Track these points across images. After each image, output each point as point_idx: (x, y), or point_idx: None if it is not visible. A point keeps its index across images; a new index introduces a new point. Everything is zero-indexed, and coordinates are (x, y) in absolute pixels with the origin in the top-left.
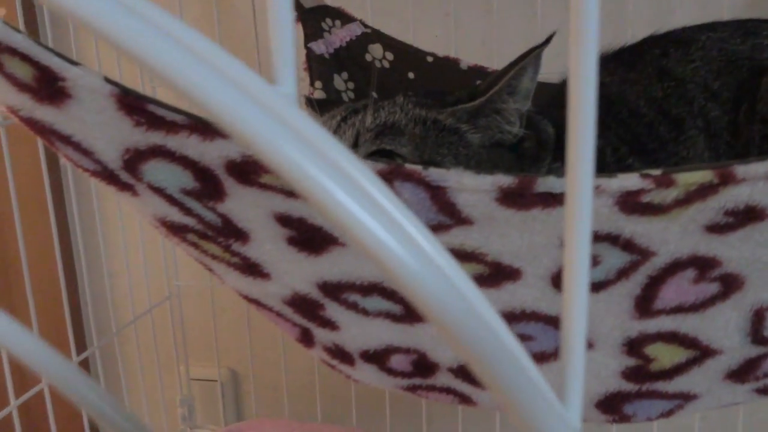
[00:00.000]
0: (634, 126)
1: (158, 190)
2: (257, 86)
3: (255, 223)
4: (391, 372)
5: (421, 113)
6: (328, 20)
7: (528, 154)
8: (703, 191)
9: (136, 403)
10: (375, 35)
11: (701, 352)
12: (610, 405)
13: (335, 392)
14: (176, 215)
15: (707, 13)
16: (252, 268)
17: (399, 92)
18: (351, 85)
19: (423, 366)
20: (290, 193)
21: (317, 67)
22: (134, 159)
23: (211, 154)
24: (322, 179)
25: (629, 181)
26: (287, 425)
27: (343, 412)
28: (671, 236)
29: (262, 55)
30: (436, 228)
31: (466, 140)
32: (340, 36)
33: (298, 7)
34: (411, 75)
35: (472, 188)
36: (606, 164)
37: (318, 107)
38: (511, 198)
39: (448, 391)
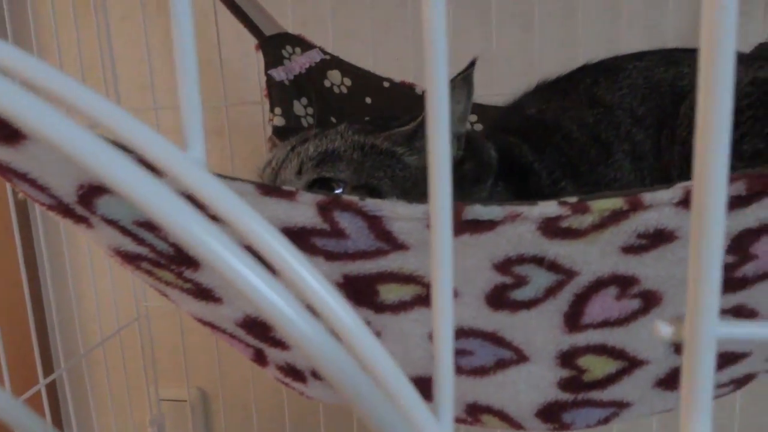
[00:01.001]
0: (567, 150)
1: (112, 222)
2: (168, 153)
3: None
4: None
5: (359, 139)
6: (288, 47)
7: (468, 176)
8: (616, 217)
9: (106, 424)
10: (334, 62)
11: (629, 363)
12: (549, 414)
13: (303, 411)
14: (130, 245)
15: (653, 37)
16: (204, 293)
17: (357, 117)
18: (310, 110)
19: None
20: None
21: (277, 93)
22: (88, 194)
23: None
24: (222, 253)
25: (548, 208)
26: None
27: (312, 431)
28: (591, 257)
29: (227, 80)
30: (375, 253)
31: (403, 162)
32: (299, 63)
33: (259, 35)
34: (368, 100)
35: (406, 217)
36: (542, 187)
37: (282, 134)
38: None
39: None
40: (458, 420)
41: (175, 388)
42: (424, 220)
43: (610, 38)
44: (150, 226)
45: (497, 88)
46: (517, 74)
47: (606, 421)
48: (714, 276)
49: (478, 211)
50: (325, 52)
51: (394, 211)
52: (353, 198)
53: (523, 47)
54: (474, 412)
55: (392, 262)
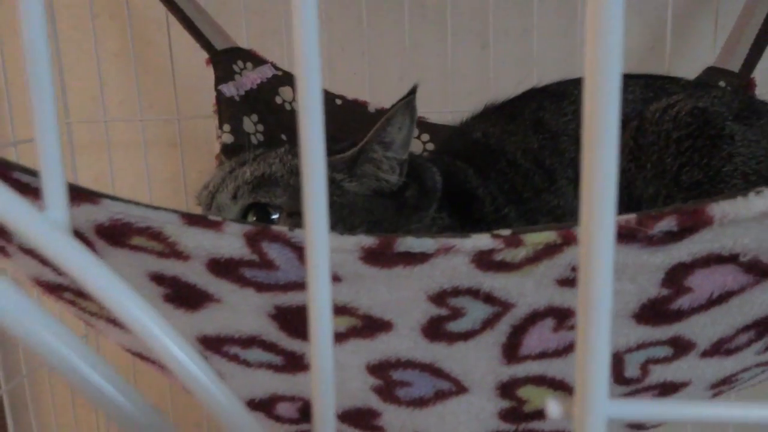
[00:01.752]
0: (511, 176)
1: (28, 251)
2: (22, 213)
3: (130, 282)
4: (279, 419)
5: (298, 163)
6: (240, 62)
7: (410, 202)
8: (549, 250)
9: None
10: (286, 78)
11: (570, 393)
12: None
13: None
14: (50, 275)
15: None
16: None
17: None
18: (261, 127)
19: (309, 412)
20: (161, 254)
21: (226, 109)
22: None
23: (78, 218)
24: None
25: (481, 241)
26: None
27: None
28: (527, 290)
29: (183, 92)
30: (304, 285)
31: (342, 189)
32: (251, 78)
33: (210, 48)
34: None
35: (336, 248)
36: (485, 213)
37: (230, 152)
38: (374, 257)
39: None
40: None
41: None
42: (356, 251)
43: (566, 57)
44: None
45: (452, 105)
46: (473, 91)
47: None
48: (602, 355)
49: (409, 243)
50: (277, 68)
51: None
52: (282, 229)
53: (479, 64)
54: None
55: None
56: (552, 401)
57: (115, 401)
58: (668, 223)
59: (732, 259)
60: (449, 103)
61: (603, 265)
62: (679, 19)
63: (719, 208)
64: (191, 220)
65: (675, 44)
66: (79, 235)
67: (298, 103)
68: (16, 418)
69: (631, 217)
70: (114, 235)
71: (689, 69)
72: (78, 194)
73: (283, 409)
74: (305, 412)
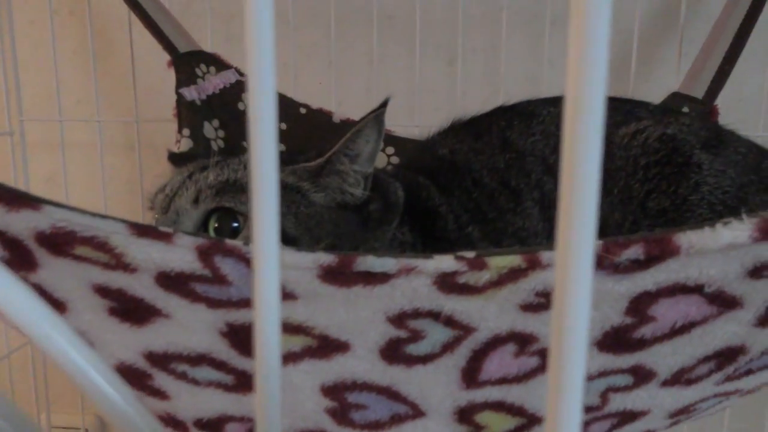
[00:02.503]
0: (476, 195)
1: None
2: None
3: (72, 293)
4: None
5: None
6: (203, 66)
7: (373, 216)
8: (514, 274)
9: None
10: None
11: (528, 420)
12: None
13: None
14: None
15: None
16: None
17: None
18: (221, 133)
19: None
20: (107, 265)
21: (187, 113)
22: None
23: (17, 225)
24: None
25: (444, 263)
26: None
27: None
28: (489, 314)
29: (144, 94)
30: None
31: (308, 199)
32: (213, 83)
33: (172, 50)
34: (284, 126)
35: (293, 265)
36: (448, 231)
37: (177, 161)
38: (332, 275)
39: None
40: None
41: (70, 416)
42: (314, 269)
43: (533, 75)
44: (7, 263)
45: (418, 120)
46: (440, 107)
47: None
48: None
49: (370, 262)
50: (241, 74)
51: (281, 259)
52: (236, 243)
53: (446, 80)
54: None
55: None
56: None
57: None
58: (635, 251)
59: (697, 289)
60: (415, 117)
61: (580, 299)
62: (643, 43)
63: (686, 238)
64: (140, 230)
65: (639, 68)
66: (17, 242)
67: (249, 109)
68: None
69: (598, 243)
70: (56, 244)
71: (652, 93)
72: (17, 199)
73: (233, 429)
74: None
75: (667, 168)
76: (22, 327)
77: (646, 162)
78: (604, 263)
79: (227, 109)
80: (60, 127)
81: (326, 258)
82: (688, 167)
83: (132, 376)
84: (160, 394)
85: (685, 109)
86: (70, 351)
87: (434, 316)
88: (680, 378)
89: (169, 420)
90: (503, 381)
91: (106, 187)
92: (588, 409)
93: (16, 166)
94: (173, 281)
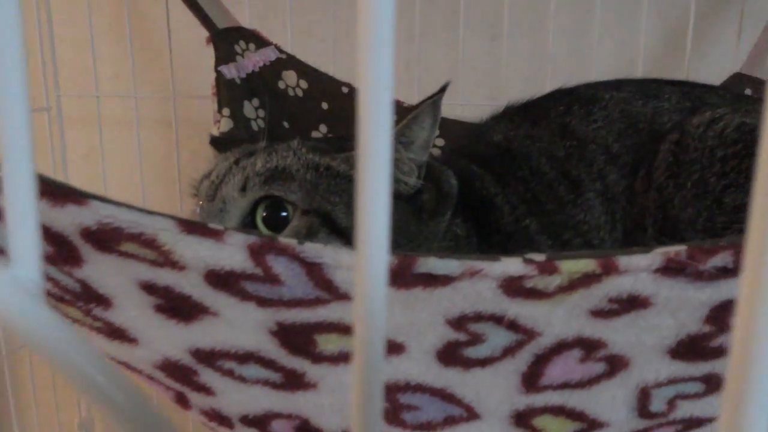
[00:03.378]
0: (534, 185)
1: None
2: None
3: (118, 289)
4: None
5: (314, 158)
6: (242, 43)
7: (427, 207)
8: (587, 280)
9: (29, 427)
10: (290, 61)
11: (588, 425)
12: None
13: None
14: None
15: (623, 53)
16: (117, 333)
17: (312, 123)
18: (261, 113)
19: (307, 430)
20: (154, 262)
21: (226, 92)
22: None
23: (62, 220)
24: None
25: (512, 266)
26: None
27: None
28: (556, 319)
29: (181, 70)
30: (313, 302)
31: None
32: (253, 60)
33: (211, 27)
34: (325, 105)
35: (349, 266)
36: (503, 224)
37: (220, 145)
38: (391, 277)
39: None
40: None
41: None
42: None
43: (580, 51)
44: (53, 258)
45: (461, 98)
46: (481, 84)
47: None
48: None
49: (432, 264)
50: (281, 51)
51: (337, 260)
52: (291, 242)
53: (490, 57)
54: None
55: (333, 312)
56: None
57: (97, 383)
58: (723, 259)
59: None
60: (457, 95)
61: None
62: (700, 22)
63: None
64: (189, 227)
65: (695, 47)
66: (63, 238)
67: (359, 113)
68: None
69: (681, 249)
70: (102, 240)
71: (708, 74)
72: (63, 194)
73: (279, 426)
74: (302, 430)
75: (746, 161)
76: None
77: (724, 154)
78: (687, 270)
79: (267, 88)
80: (96, 103)
81: None
82: None
83: (177, 371)
84: (205, 389)
85: (748, 91)
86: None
87: (497, 319)
88: None
89: (214, 415)
90: (565, 386)
91: (142, 162)
92: (652, 416)
93: (54, 141)
94: (223, 279)
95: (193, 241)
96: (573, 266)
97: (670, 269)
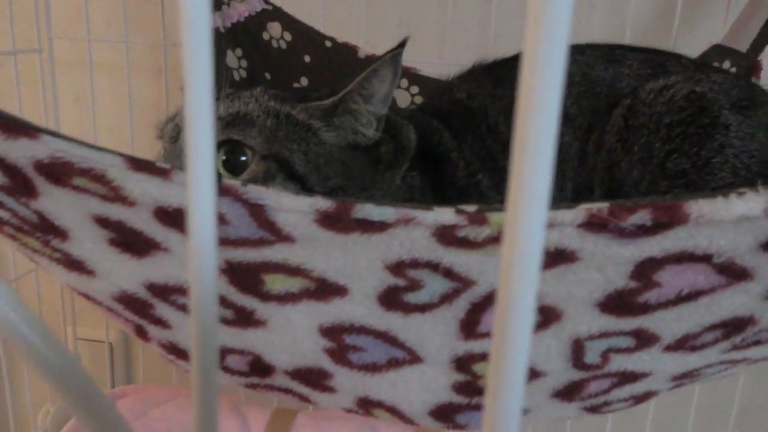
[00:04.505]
0: (490, 142)
1: None
2: None
3: (73, 222)
4: (228, 370)
5: (275, 106)
6: None
7: (384, 159)
8: None
9: (15, 362)
10: (275, 13)
11: (527, 374)
12: (443, 414)
13: None
14: None
15: (614, 21)
16: (75, 264)
17: (293, 76)
18: (244, 63)
19: (259, 367)
20: (105, 197)
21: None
22: None
23: (16, 152)
24: None
25: (444, 216)
26: (173, 391)
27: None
28: (488, 269)
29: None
30: (258, 242)
31: (319, 137)
32: (239, 10)
33: None
34: (307, 59)
35: (290, 209)
36: (457, 178)
37: None
38: (330, 221)
39: (287, 390)
40: (350, 411)
41: (95, 329)
42: (311, 213)
43: (573, 20)
44: (9, 189)
45: (448, 58)
46: (472, 46)
47: None
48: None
49: (368, 210)
50: (267, 2)
51: (278, 202)
52: (234, 183)
53: (480, 19)
54: (366, 405)
55: (277, 253)
56: None
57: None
58: (642, 217)
59: (705, 258)
60: (446, 55)
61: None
62: None
63: (697, 207)
64: (137, 165)
65: (684, 17)
66: (17, 170)
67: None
68: None
69: (603, 206)
70: (55, 174)
71: (697, 45)
72: (15, 126)
73: (233, 361)
74: (255, 366)
75: (691, 128)
76: None
77: (670, 121)
78: (609, 226)
79: (251, 38)
80: (88, 47)
81: (324, 203)
82: (714, 128)
83: (134, 304)
84: (161, 323)
85: (727, 63)
86: None
87: (433, 267)
88: (684, 344)
89: (171, 348)
90: None
91: (132, 108)
92: (588, 367)
93: (45, 84)
94: (171, 217)
95: (141, 178)
96: (501, 218)
97: (593, 225)
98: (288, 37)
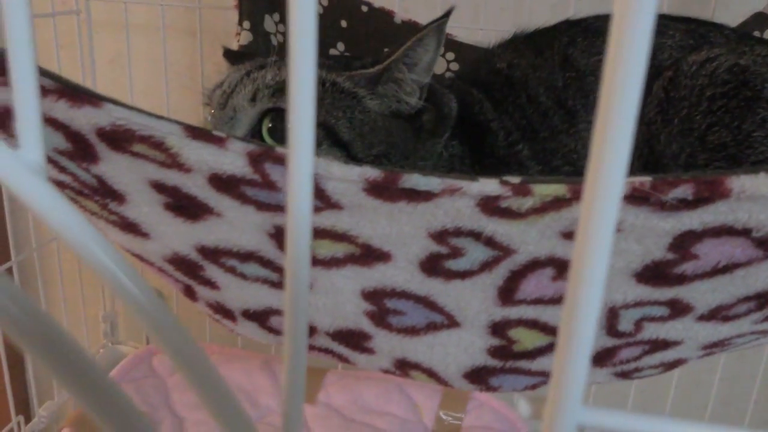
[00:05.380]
0: (530, 112)
1: None
2: None
3: (130, 186)
4: (272, 330)
5: (320, 74)
6: None
7: (426, 127)
8: (557, 203)
9: (56, 317)
10: None
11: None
12: (477, 377)
13: None
14: (51, 172)
15: None
16: (130, 227)
17: (330, 40)
18: (281, 28)
19: None
20: (163, 163)
21: (248, 5)
22: (4, 115)
23: (80, 120)
24: None
25: (488, 186)
26: (207, 348)
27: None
28: (529, 238)
29: None
30: None
31: (363, 105)
32: None
33: None
34: (344, 23)
35: (340, 177)
36: (497, 148)
37: (234, 58)
38: (378, 190)
39: (327, 351)
40: (387, 372)
41: None
42: (360, 182)
43: None
44: (71, 154)
45: (483, 23)
46: (506, 8)
47: (533, 387)
48: (581, 361)
49: (415, 180)
50: None
51: (328, 171)
52: (285, 151)
53: None
54: (403, 367)
55: (325, 219)
56: (522, 401)
57: (119, 280)
58: (683, 191)
59: (744, 232)
60: (480, 19)
61: (603, 237)
62: None
63: (739, 182)
64: (194, 133)
65: None
66: (80, 136)
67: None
68: (24, 290)
69: (646, 179)
70: (115, 140)
71: (737, 12)
72: (80, 95)
73: (277, 322)
74: None
75: (733, 101)
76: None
77: (712, 93)
78: (651, 200)
79: (285, 4)
80: (124, 9)
81: (372, 173)
82: (757, 102)
83: (185, 265)
84: (210, 284)
85: None
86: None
87: (475, 235)
88: (717, 314)
89: (218, 308)
90: (539, 301)
91: (167, 71)
92: (620, 335)
93: (83, 45)
94: (225, 183)
95: (197, 145)
96: (545, 190)
97: (636, 198)
98: (325, 1)
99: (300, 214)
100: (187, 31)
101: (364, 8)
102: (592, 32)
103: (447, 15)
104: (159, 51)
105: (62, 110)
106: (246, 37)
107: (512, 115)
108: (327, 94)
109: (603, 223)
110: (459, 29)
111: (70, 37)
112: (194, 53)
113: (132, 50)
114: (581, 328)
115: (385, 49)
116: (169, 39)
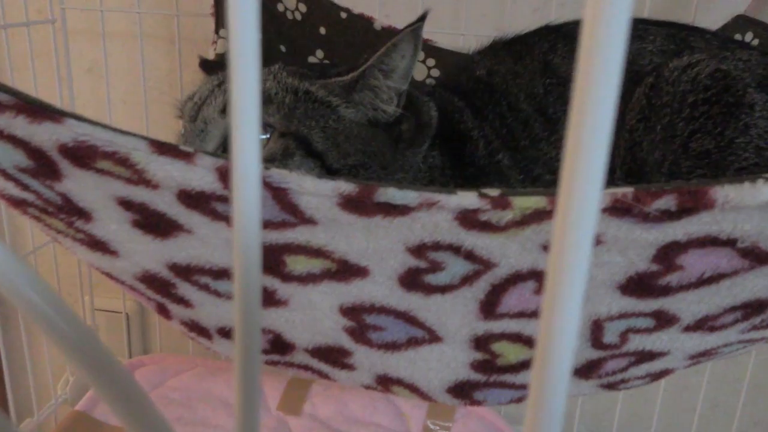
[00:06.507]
0: (510, 120)
1: None
2: None
3: (97, 204)
4: None
5: (293, 83)
6: None
7: (404, 136)
8: (538, 216)
9: (34, 332)
10: None
11: None
12: (460, 391)
13: None
14: (13, 190)
15: None
16: (99, 245)
17: (309, 48)
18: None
19: (279, 345)
20: (129, 180)
21: (224, 13)
22: None
23: (40, 136)
24: None
25: (467, 200)
26: (190, 361)
27: None
28: (510, 252)
29: None
30: (281, 225)
31: (338, 114)
32: None
33: None
34: (322, 30)
35: (313, 192)
36: (478, 157)
37: (210, 68)
38: (353, 205)
39: (306, 368)
40: (369, 388)
41: (111, 300)
42: (334, 197)
43: None
44: (33, 171)
45: (464, 28)
46: (487, 14)
47: (519, 400)
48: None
49: (391, 194)
50: None
51: (301, 185)
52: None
53: None
54: (384, 383)
55: (300, 235)
56: None
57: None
58: (666, 202)
59: (729, 243)
60: (461, 25)
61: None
62: None
63: (723, 192)
64: (161, 149)
65: None
66: (42, 153)
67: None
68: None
69: (628, 191)
70: (78, 157)
71: (718, 15)
72: (39, 111)
73: None
74: (275, 344)
75: (715, 107)
76: None
77: (694, 100)
78: (633, 211)
79: (266, 9)
80: (101, 17)
81: (347, 187)
82: (739, 108)
83: (156, 284)
84: (183, 302)
85: (749, 35)
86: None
87: (454, 249)
88: (704, 325)
89: (193, 326)
90: (522, 315)
91: (146, 79)
92: (606, 347)
93: (59, 54)
94: (194, 199)
95: (164, 161)
96: (524, 203)
97: (618, 209)
98: (303, 8)
99: (248, 225)
100: (166, 39)
101: (343, 14)
102: (572, 38)
103: (422, 18)
104: (137, 59)
105: (21, 126)
106: (223, 46)
107: (492, 124)
108: (300, 103)
109: (578, 241)
110: (440, 35)
111: (45, 47)
112: (173, 61)
113: (109, 59)
114: (558, 352)
115: (364, 56)
116: (147, 47)
